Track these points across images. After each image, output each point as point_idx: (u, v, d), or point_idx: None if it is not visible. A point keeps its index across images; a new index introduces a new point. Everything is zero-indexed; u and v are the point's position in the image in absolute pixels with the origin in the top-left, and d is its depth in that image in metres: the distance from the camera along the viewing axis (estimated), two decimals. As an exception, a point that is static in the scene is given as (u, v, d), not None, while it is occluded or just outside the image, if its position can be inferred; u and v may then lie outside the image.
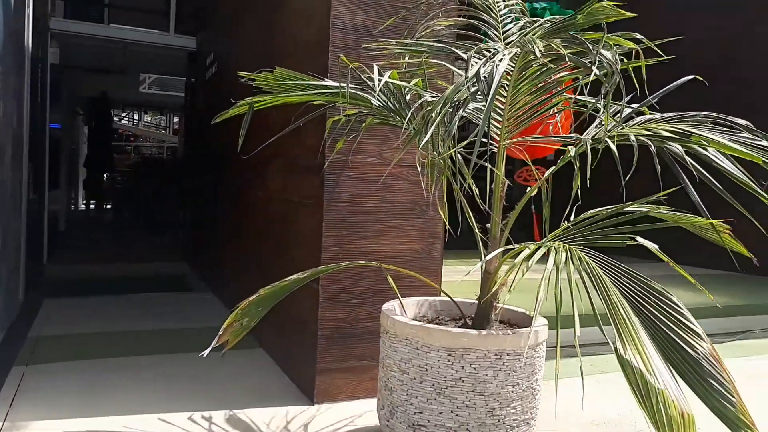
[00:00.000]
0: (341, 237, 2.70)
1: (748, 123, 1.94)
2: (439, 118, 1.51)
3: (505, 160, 2.14)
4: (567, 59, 1.44)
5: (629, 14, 1.40)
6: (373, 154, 2.76)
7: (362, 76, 2.16)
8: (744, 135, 1.87)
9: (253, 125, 2.17)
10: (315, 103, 2.34)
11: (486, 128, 1.87)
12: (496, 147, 2.07)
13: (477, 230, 2.15)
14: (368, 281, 2.77)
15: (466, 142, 1.84)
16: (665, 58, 1.63)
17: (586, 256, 1.63)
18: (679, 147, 1.73)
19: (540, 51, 1.32)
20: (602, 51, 1.44)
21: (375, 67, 1.96)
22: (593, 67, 1.41)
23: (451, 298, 2.35)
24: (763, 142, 1.84)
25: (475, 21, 2.21)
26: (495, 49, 1.55)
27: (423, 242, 2.89)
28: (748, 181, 1.70)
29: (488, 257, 2.12)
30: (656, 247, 1.53)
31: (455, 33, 2.51)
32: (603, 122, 2.06)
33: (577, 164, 1.93)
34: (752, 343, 4.14)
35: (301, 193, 2.97)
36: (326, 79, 2.19)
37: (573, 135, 2.04)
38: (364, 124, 2.37)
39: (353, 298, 2.75)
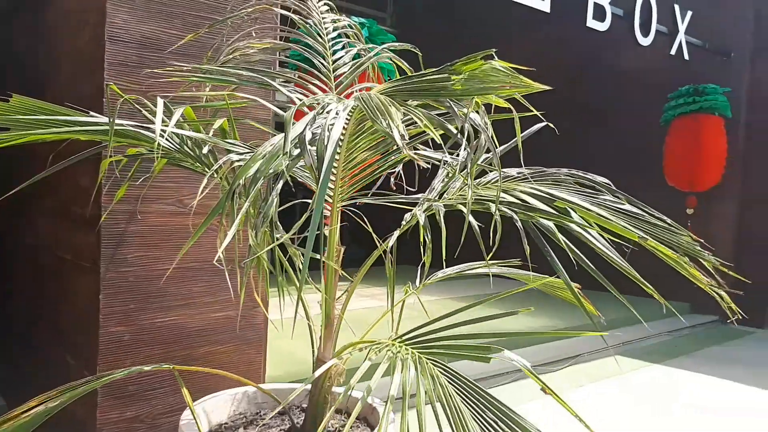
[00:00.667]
0: (128, 312, 2.07)
1: (607, 182, 1.72)
2: (248, 201, 1.02)
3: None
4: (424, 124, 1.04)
5: (541, 86, 1.04)
6: (171, 200, 2.17)
7: (144, 111, 1.58)
8: (606, 197, 1.65)
9: (22, 150, 1.48)
10: (83, 139, 1.71)
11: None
12: (328, 211, 1.63)
13: (307, 311, 1.69)
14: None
15: (293, 230, 1.35)
16: (536, 112, 1.31)
17: (440, 373, 1.23)
18: (550, 222, 1.43)
19: (401, 134, 0.90)
20: (472, 115, 1.08)
21: (160, 102, 1.40)
22: (459, 131, 1.03)
23: (271, 395, 1.85)
24: (627, 206, 1.63)
25: (296, 46, 1.74)
26: (324, 102, 1.10)
27: (241, 308, 2.36)
28: (615, 258, 1.45)
29: (322, 346, 1.67)
30: (527, 365, 1.19)
31: (277, 59, 2.03)
32: (452, 178, 1.72)
33: (426, 230, 1.56)
34: (582, 369, 4.22)
35: (75, 251, 2.27)
36: (91, 113, 1.57)
37: (420, 196, 1.67)
38: (155, 166, 1.78)
39: (146, 389, 2.13)
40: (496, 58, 1.13)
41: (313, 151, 0.95)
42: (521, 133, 1.68)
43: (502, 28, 7.42)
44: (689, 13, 5.15)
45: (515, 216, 1.44)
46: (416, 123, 1.47)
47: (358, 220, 1.73)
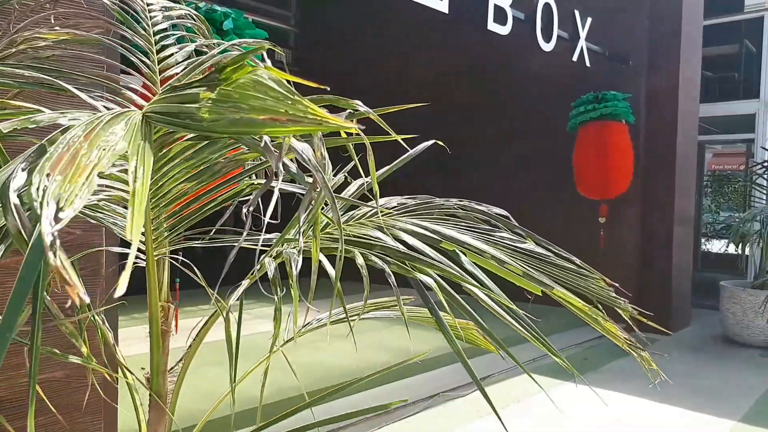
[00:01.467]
0: None
1: (505, 213, 1.41)
2: None
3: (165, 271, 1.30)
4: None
5: (344, 125, 0.67)
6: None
7: None
8: (503, 234, 1.33)
9: None
10: None
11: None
12: (143, 261, 1.21)
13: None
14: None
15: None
16: (394, 137, 0.97)
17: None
18: (430, 279, 1.08)
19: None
20: (299, 146, 0.71)
21: None
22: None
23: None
24: (528, 245, 1.32)
25: (108, 39, 1.31)
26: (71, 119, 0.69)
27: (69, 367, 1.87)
28: (518, 327, 1.13)
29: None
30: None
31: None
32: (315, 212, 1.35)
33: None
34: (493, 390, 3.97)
35: None
36: None
37: (273, 236, 1.29)
38: None
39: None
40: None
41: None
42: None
43: (406, 29, 7.18)
44: (589, 20, 5.09)
45: (387, 269, 1.08)
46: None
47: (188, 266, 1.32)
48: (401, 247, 1.17)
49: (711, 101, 8.02)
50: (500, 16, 4.15)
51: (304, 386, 3.31)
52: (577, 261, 1.33)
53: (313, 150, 0.76)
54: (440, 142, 1.56)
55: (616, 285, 1.37)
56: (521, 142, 6.62)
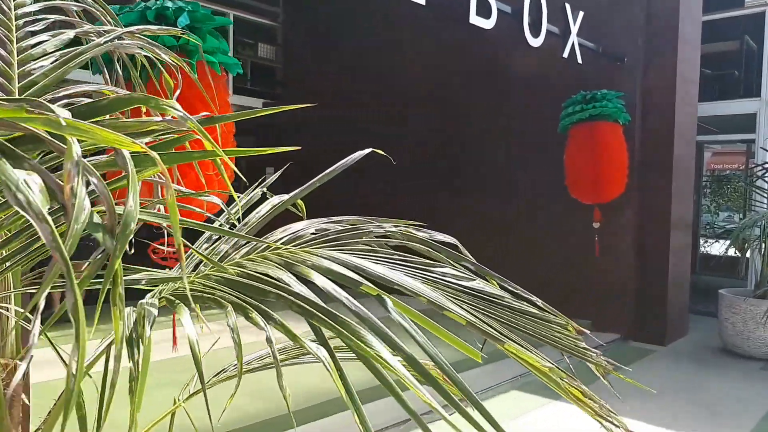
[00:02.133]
0: None
1: (454, 242, 1.14)
2: None
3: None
4: None
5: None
6: None
7: None
8: (445, 270, 1.06)
9: None
10: None
11: None
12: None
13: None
14: None
15: None
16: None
17: None
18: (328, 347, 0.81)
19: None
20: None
21: None
22: None
23: None
24: (474, 283, 1.05)
25: None
26: None
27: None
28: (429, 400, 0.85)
29: None
30: None
31: None
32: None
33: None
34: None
35: None
36: None
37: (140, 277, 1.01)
38: None
39: None
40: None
41: None
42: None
43: (397, 23, 6.91)
44: (581, 14, 4.81)
45: (268, 332, 0.81)
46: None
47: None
48: (306, 294, 0.90)
49: (710, 100, 7.74)
50: (484, 9, 3.87)
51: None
52: (540, 302, 1.06)
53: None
54: (380, 151, 1.29)
55: (586, 332, 1.10)
56: (516, 142, 6.34)
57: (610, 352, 5.39)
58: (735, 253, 6.33)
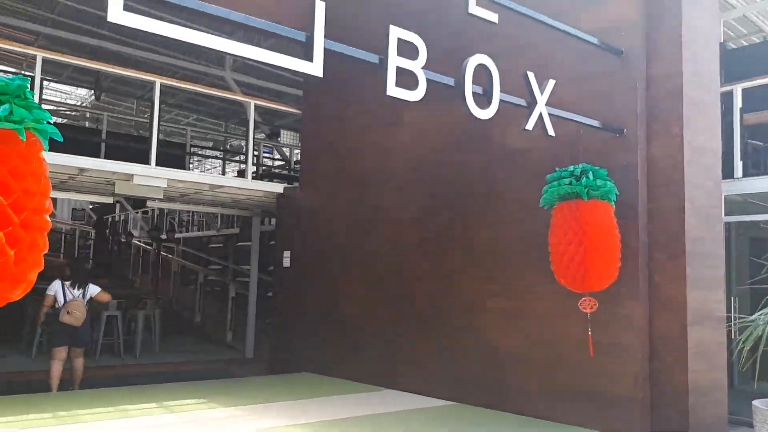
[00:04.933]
0: None
1: None
2: None
3: None
4: None
5: None
6: None
7: None
8: None
9: None
10: None
11: None
12: None
13: None
14: None
15: None
16: None
17: None
18: None
19: None
20: None
21: None
22: None
23: None
24: None
25: None
26: None
27: None
28: None
29: None
30: None
31: None
32: None
33: None
34: None
35: None
36: None
37: None
38: None
39: None
40: None
41: None
42: None
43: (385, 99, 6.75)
44: (551, 82, 4.37)
45: None
46: None
47: None
48: None
49: (760, 175, 6.82)
50: (410, 79, 3.57)
51: None
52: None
53: None
54: None
55: None
56: (498, 220, 5.80)
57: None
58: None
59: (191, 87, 8.22)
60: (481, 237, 6.01)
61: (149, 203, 9.85)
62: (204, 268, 13.07)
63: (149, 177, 6.92)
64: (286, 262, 8.03)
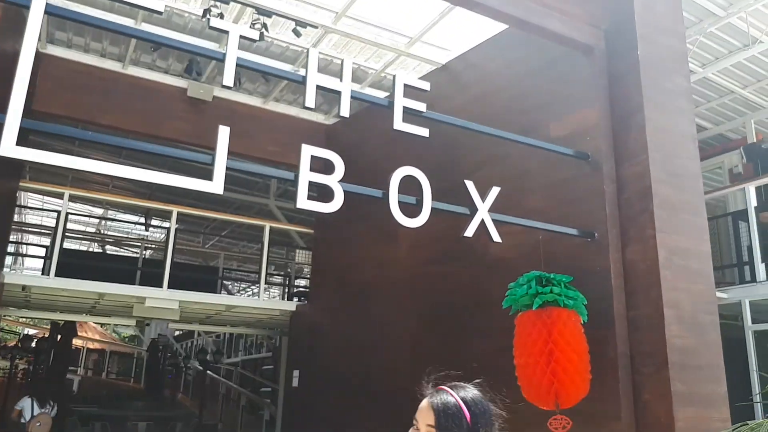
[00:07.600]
0: None
1: None
2: None
3: None
4: None
5: None
6: None
7: None
8: None
9: None
10: None
11: None
12: None
13: None
14: None
15: None
16: None
17: None
18: None
19: None
20: None
21: None
22: None
23: None
24: None
25: None
26: None
27: None
28: None
29: None
30: None
31: None
32: None
33: None
34: None
35: None
36: None
37: None
38: None
39: None
40: None
41: None
42: None
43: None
44: (495, 190, 4.33)
45: None
46: None
47: None
48: None
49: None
50: (325, 190, 3.68)
51: None
52: None
53: None
54: None
55: None
56: (486, 332, 5.52)
57: None
58: None
59: (207, 214, 8.77)
60: (473, 347, 5.73)
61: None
62: (244, 390, 13.09)
63: (160, 299, 7.25)
64: (295, 382, 7.92)
